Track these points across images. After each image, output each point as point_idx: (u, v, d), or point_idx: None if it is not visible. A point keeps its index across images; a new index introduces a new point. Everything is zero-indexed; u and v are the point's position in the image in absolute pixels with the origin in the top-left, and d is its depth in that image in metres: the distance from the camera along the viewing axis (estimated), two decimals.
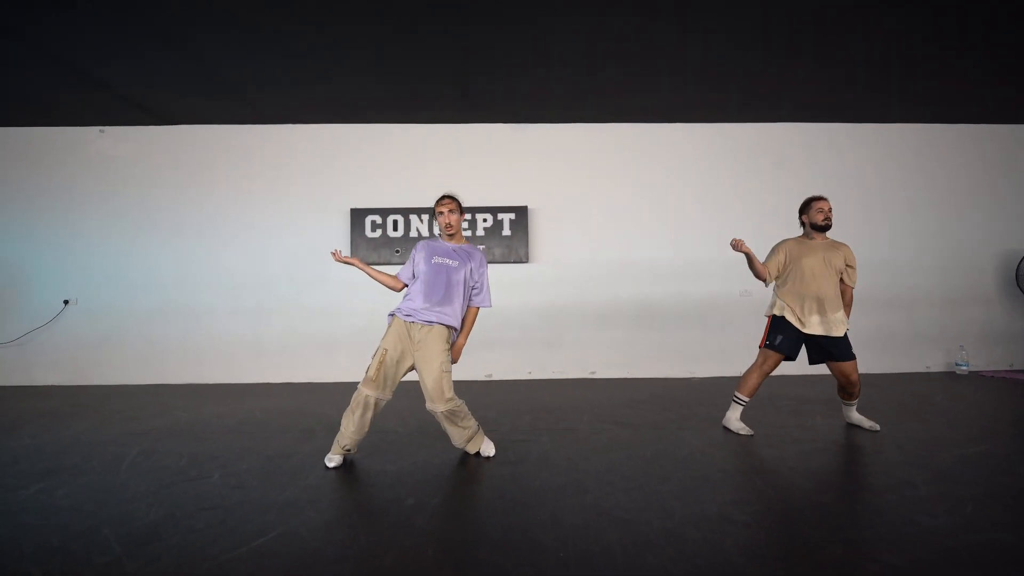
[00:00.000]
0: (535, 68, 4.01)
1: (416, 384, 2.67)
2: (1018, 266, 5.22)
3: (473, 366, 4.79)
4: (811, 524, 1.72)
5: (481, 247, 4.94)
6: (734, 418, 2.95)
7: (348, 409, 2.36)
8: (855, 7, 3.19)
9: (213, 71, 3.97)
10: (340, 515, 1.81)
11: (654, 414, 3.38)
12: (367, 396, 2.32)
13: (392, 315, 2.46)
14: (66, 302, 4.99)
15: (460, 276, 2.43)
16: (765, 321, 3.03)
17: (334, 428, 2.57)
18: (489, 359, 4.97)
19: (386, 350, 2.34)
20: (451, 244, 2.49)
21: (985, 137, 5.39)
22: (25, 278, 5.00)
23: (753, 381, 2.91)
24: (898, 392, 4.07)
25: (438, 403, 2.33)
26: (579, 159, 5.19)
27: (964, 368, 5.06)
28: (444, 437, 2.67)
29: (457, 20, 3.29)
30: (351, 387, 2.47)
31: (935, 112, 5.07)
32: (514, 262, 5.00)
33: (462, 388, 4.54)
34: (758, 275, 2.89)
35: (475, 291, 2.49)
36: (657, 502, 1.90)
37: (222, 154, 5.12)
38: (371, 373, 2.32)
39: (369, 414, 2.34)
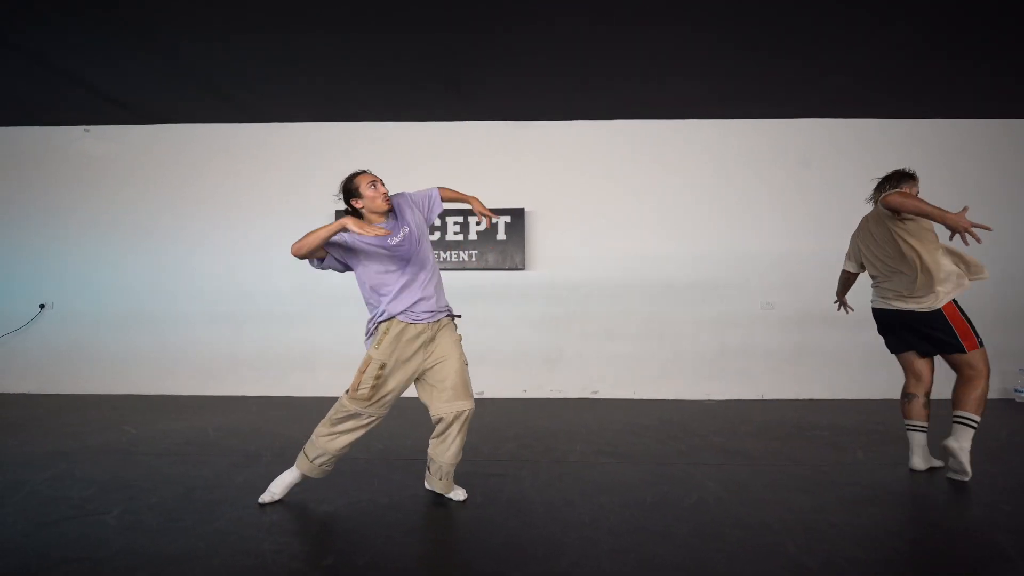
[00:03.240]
0: (535, 60, 3.64)
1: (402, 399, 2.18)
2: None
3: None
4: None
5: (473, 252, 4.56)
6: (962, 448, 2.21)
7: (332, 421, 1.92)
8: None
9: (194, 69, 3.76)
10: None
11: (660, 443, 2.89)
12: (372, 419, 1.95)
13: (380, 322, 1.94)
14: (42, 306, 4.75)
15: (416, 236, 2.01)
16: (941, 312, 2.27)
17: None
18: (481, 375, 4.50)
19: (383, 363, 1.88)
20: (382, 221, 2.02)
21: None
22: (2, 280, 4.79)
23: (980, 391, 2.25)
24: (945, 423, 3.47)
25: (467, 399, 1.98)
26: (583, 159, 4.76)
27: None
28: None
29: (451, 10, 2.96)
30: (329, 403, 2.01)
31: (983, 107, 4.51)
32: (509, 269, 4.58)
33: None
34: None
35: (432, 211, 2.15)
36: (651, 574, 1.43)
37: (203, 154, 4.85)
38: (364, 392, 1.88)
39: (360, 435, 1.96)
